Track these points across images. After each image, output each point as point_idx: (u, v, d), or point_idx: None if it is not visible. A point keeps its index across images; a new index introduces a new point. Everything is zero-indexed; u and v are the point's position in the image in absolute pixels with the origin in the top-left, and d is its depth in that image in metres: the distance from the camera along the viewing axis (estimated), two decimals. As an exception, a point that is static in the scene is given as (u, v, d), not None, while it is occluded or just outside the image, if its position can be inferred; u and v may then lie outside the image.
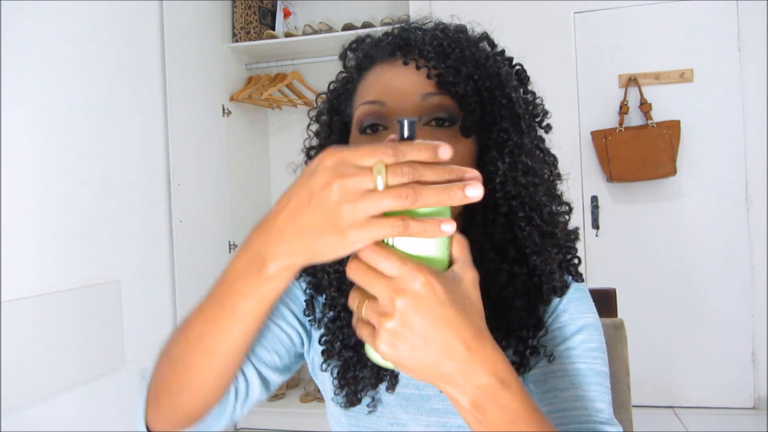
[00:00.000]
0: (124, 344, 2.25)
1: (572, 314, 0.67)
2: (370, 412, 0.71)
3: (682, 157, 2.93)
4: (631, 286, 2.97)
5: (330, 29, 3.07)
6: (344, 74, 0.73)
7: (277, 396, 2.96)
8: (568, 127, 3.03)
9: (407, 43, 0.66)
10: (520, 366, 0.65)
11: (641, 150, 2.90)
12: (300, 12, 3.31)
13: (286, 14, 3.19)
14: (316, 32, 3.06)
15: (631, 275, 3.01)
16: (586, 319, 0.67)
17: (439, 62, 0.63)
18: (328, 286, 0.70)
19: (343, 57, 0.73)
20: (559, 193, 0.71)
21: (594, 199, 3.04)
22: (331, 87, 0.74)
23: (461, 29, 0.70)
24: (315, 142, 0.74)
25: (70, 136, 2.06)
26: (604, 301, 1.01)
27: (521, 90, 0.70)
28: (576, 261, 0.70)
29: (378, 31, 0.73)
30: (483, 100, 0.64)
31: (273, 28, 3.16)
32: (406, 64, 0.64)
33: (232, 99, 3.01)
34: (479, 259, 0.63)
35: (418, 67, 0.64)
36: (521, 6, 3.07)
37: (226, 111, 2.98)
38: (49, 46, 1.99)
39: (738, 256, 2.90)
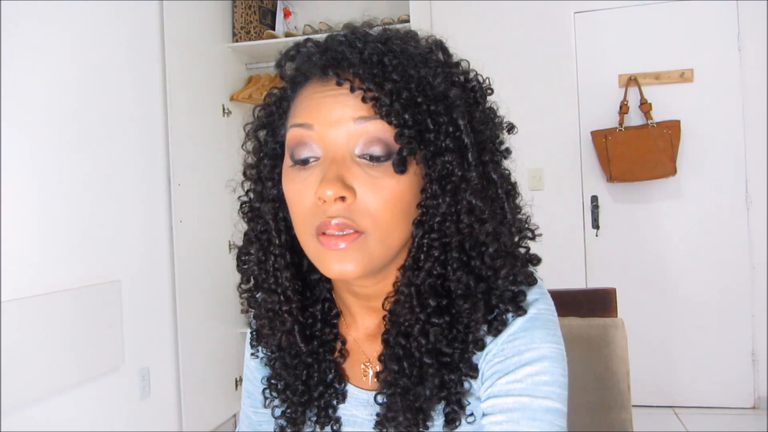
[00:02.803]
0: (124, 344, 2.25)
1: (518, 346, 0.59)
2: None
3: (682, 157, 2.93)
4: (631, 286, 2.97)
5: (330, 29, 3.03)
6: (277, 90, 0.67)
7: (277, 396, 2.96)
8: (568, 127, 3.04)
9: (343, 57, 0.58)
10: (454, 420, 0.60)
11: (641, 150, 2.90)
12: (300, 12, 3.31)
13: (286, 14, 3.19)
14: (316, 32, 3.06)
15: (631, 275, 3.01)
16: (538, 350, 0.58)
17: (377, 84, 0.56)
18: (262, 323, 0.67)
19: (279, 66, 0.64)
20: (523, 218, 0.64)
21: (594, 199, 3.04)
22: (267, 100, 0.67)
23: (410, 38, 0.62)
24: (251, 159, 0.68)
25: (70, 136, 2.06)
26: (604, 301, 1.01)
27: (479, 109, 0.62)
28: (521, 297, 0.61)
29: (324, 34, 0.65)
30: (427, 127, 0.57)
31: (273, 28, 3.16)
32: (339, 84, 0.57)
33: (232, 99, 3.01)
34: (403, 302, 0.59)
35: (352, 89, 0.56)
36: (521, 6, 3.07)
37: (226, 111, 2.98)
38: (49, 46, 1.99)
39: (738, 256, 2.90)
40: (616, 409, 0.95)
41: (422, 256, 0.58)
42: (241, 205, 0.69)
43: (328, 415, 0.67)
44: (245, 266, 0.68)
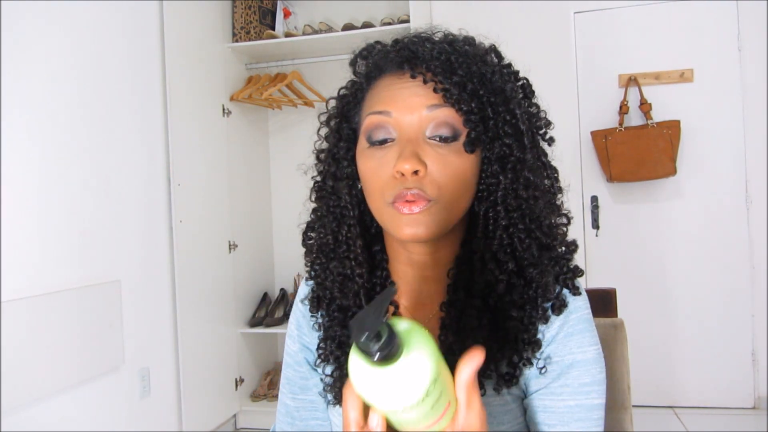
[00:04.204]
0: (124, 344, 2.25)
1: (571, 348, 0.69)
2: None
3: (682, 157, 2.93)
4: (631, 286, 2.97)
5: (330, 29, 3.07)
6: (354, 81, 0.74)
7: (276, 396, 2.95)
8: (568, 127, 3.03)
9: (415, 56, 0.67)
10: (513, 377, 0.67)
11: (641, 150, 2.90)
12: (300, 12, 3.31)
13: (286, 14, 3.19)
14: (316, 32, 3.06)
15: (631, 275, 3.01)
16: (585, 354, 0.69)
17: (446, 77, 0.65)
18: (331, 287, 0.74)
19: (353, 64, 0.74)
20: (559, 203, 0.73)
21: (594, 199, 3.04)
22: (341, 93, 0.75)
23: (469, 42, 0.71)
24: (324, 145, 0.76)
25: (70, 136, 2.06)
26: (604, 301, 1.01)
27: (526, 104, 0.71)
28: (570, 275, 0.71)
29: (389, 32, 0.74)
30: (487, 115, 0.66)
31: (273, 28, 3.16)
32: (413, 77, 0.66)
33: (232, 99, 3.01)
34: (480, 269, 0.67)
35: (425, 81, 0.65)
36: (521, 6, 3.07)
37: (226, 111, 2.98)
38: (49, 47, 1.99)
39: (738, 256, 2.90)
40: (616, 409, 0.95)
41: (491, 227, 0.67)
42: (314, 183, 0.76)
43: None
44: (311, 240, 0.76)
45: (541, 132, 0.73)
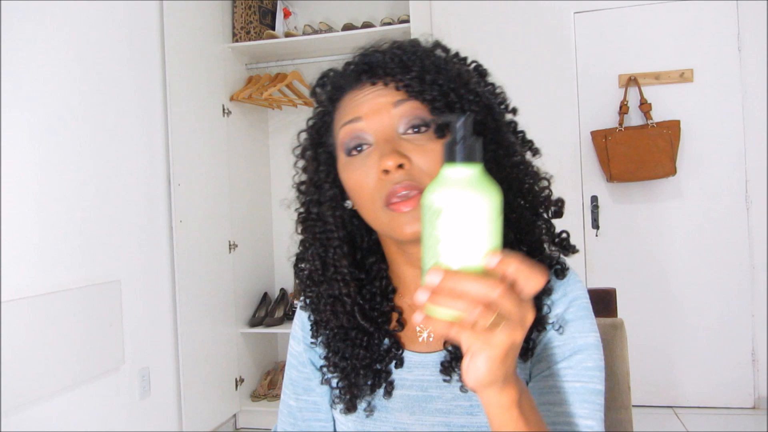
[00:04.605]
0: (124, 344, 2.25)
1: (573, 333, 0.70)
2: (367, 416, 0.75)
3: (682, 157, 2.93)
4: (631, 286, 2.97)
5: (330, 29, 3.07)
6: (319, 109, 0.76)
7: (276, 396, 2.96)
8: (568, 127, 3.03)
9: (371, 66, 0.70)
10: (527, 350, 0.69)
11: (641, 150, 2.90)
12: (300, 12, 3.31)
13: (286, 14, 3.19)
14: (316, 32, 3.06)
15: (631, 275, 3.01)
16: (587, 339, 0.70)
17: (404, 75, 0.68)
18: (323, 311, 0.75)
19: (313, 94, 0.77)
20: (535, 169, 0.74)
21: (594, 199, 3.04)
22: (310, 123, 0.77)
23: (415, 43, 0.74)
24: (304, 177, 0.77)
25: (70, 136, 2.06)
26: (604, 301, 1.01)
27: (483, 83, 0.74)
28: (564, 234, 0.73)
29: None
30: (451, 100, 0.68)
31: (273, 28, 3.16)
32: (374, 83, 0.69)
33: (232, 99, 3.01)
34: None
35: (385, 84, 0.68)
36: (521, 6, 3.07)
37: (226, 111, 2.98)
38: (49, 46, 1.99)
39: (738, 256, 2.90)
40: (616, 409, 0.95)
41: None
42: (299, 215, 0.77)
43: (382, 380, 0.75)
44: (303, 271, 0.77)
45: (503, 106, 0.75)
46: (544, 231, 0.71)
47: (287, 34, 3.08)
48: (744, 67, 2.88)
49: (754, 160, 2.88)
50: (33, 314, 1.86)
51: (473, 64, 0.76)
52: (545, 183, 0.74)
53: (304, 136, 0.78)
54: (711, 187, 2.93)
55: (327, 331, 0.77)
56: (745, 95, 2.88)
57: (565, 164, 3.05)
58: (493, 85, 0.75)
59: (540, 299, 0.70)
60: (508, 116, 0.75)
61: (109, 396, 2.19)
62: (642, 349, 2.83)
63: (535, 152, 0.75)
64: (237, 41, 3.04)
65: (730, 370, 2.91)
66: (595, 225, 3.03)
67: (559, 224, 0.74)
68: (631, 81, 2.98)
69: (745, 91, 2.88)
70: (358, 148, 0.68)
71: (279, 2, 3.18)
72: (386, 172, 0.64)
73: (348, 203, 0.73)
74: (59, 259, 1.99)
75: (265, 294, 3.21)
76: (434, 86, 0.67)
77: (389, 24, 2.97)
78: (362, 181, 0.67)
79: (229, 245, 2.96)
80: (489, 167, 0.64)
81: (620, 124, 2.96)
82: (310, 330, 0.79)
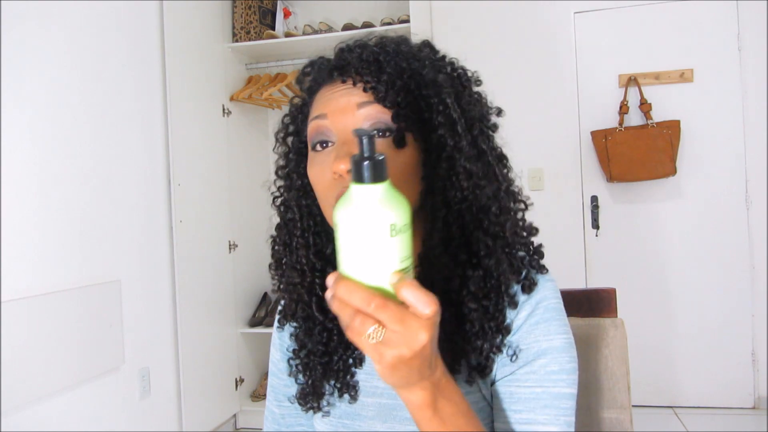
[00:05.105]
0: (124, 344, 2.25)
1: (537, 336, 0.68)
2: (323, 416, 0.77)
3: (682, 157, 2.93)
4: (631, 286, 2.97)
5: (330, 29, 3.07)
6: (299, 98, 0.78)
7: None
8: (568, 127, 3.03)
9: (346, 62, 0.69)
10: (485, 368, 0.68)
11: (641, 150, 2.90)
12: (300, 12, 3.31)
13: (286, 14, 3.19)
14: (316, 32, 3.06)
15: (631, 275, 3.01)
16: (552, 342, 0.68)
17: (374, 77, 0.67)
18: (297, 304, 0.75)
19: (299, 81, 0.77)
20: (516, 190, 0.72)
21: (594, 199, 3.04)
22: (291, 110, 0.78)
23: (402, 41, 0.73)
24: (281, 162, 0.78)
25: (70, 136, 2.06)
26: (604, 301, 1.01)
27: (466, 92, 0.71)
28: (537, 256, 0.72)
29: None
30: (420, 108, 0.67)
31: (273, 28, 3.16)
32: (344, 81, 0.69)
33: (232, 99, 3.01)
34: (436, 264, 0.67)
35: (354, 83, 0.68)
36: (521, 6, 3.07)
37: (226, 111, 2.98)
38: (49, 47, 1.99)
39: (738, 256, 2.90)
40: (616, 409, 0.95)
41: (440, 222, 0.67)
42: (274, 199, 0.79)
43: (346, 382, 0.74)
44: (275, 252, 0.78)
45: (484, 120, 0.72)
46: (505, 255, 0.68)
47: (287, 34, 3.08)
48: (744, 67, 2.88)
49: (754, 160, 2.88)
50: (33, 314, 1.86)
51: (457, 72, 0.73)
52: (521, 206, 0.72)
53: (286, 120, 0.78)
54: (711, 187, 2.93)
55: (294, 322, 0.78)
56: (745, 95, 2.88)
57: (565, 164, 3.05)
58: (478, 94, 0.73)
59: (502, 312, 0.68)
60: (490, 128, 0.72)
61: (109, 396, 2.19)
62: (642, 349, 2.83)
63: (505, 177, 0.71)
64: (237, 41, 3.04)
65: (730, 370, 2.90)
66: (595, 225, 3.03)
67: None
68: (631, 81, 2.98)
69: (745, 91, 2.88)
70: (323, 144, 0.68)
71: (279, 2, 3.18)
72: (340, 175, 0.64)
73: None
74: (59, 259, 1.99)
75: (265, 294, 3.21)
76: (403, 92, 0.66)
77: (389, 24, 2.97)
78: (319, 177, 0.68)
79: (229, 245, 2.96)
80: (444, 187, 0.66)
81: (620, 124, 2.96)
82: (279, 315, 0.80)
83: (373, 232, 0.47)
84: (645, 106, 2.94)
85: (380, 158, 0.48)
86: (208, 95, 2.84)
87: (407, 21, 2.87)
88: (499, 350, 0.68)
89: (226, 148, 2.95)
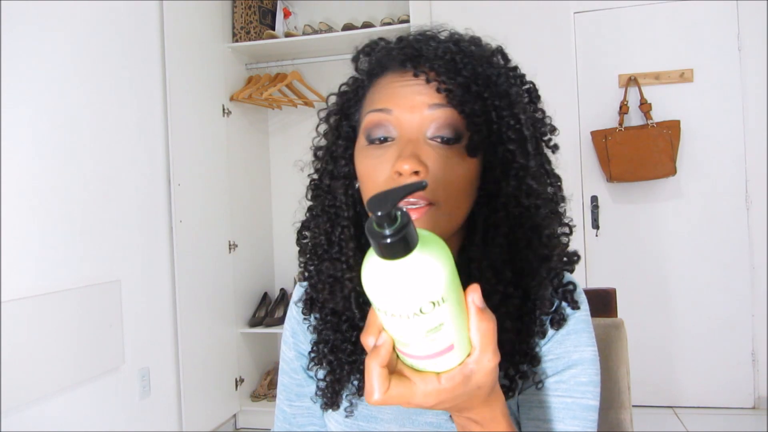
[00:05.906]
0: (124, 344, 2.25)
1: (568, 347, 0.67)
2: (347, 416, 0.73)
3: (682, 157, 2.93)
4: (631, 286, 2.97)
5: (330, 29, 3.07)
6: (356, 78, 0.72)
7: (276, 396, 2.95)
8: (568, 127, 3.03)
9: (419, 54, 0.65)
10: (509, 390, 0.65)
11: (641, 150, 2.90)
12: (300, 12, 3.31)
13: (286, 14, 3.19)
14: (316, 32, 3.06)
15: (631, 275, 3.01)
16: (583, 354, 0.67)
17: (449, 77, 0.63)
18: (322, 289, 0.71)
19: (355, 60, 0.72)
20: (562, 212, 0.70)
21: (594, 199, 3.04)
22: (342, 89, 0.73)
23: (475, 42, 0.69)
24: (323, 142, 0.73)
25: (70, 136, 2.06)
26: (604, 301, 1.01)
27: (531, 109, 0.69)
28: (571, 287, 0.69)
29: (389, 32, 0.75)
30: (491, 119, 0.64)
31: (273, 28, 3.16)
32: (416, 75, 0.64)
33: (232, 99, 3.01)
34: (477, 277, 0.64)
35: (428, 80, 0.63)
36: (521, 6, 3.07)
37: (226, 111, 2.98)
38: (49, 46, 1.99)
39: (738, 256, 2.90)
40: (616, 409, 0.95)
41: (490, 234, 0.64)
42: (311, 182, 0.74)
43: None
44: (305, 240, 0.73)
45: (545, 138, 0.71)
46: (548, 279, 0.66)
47: (287, 34, 3.08)
48: (744, 67, 2.88)
49: (754, 160, 2.88)
50: (33, 314, 1.86)
51: (527, 86, 0.70)
52: (566, 230, 0.70)
53: (333, 99, 0.73)
54: (711, 187, 2.93)
55: (319, 315, 0.74)
56: (745, 95, 2.88)
57: (565, 164, 3.04)
58: (543, 112, 0.71)
59: (532, 337, 0.66)
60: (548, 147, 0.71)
61: (109, 396, 2.19)
62: (642, 349, 2.83)
63: (561, 199, 0.70)
64: (237, 41, 3.04)
65: (730, 370, 2.90)
66: (595, 225, 3.03)
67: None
68: (631, 81, 2.98)
69: (745, 91, 2.88)
70: (381, 139, 0.64)
71: (279, 2, 3.18)
72: (400, 174, 0.60)
73: (357, 184, 0.69)
74: (59, 259, 1.99)
75: (265, 294, 3.21)
76: (478, 99, 0.63)
77: (389, 24, 2.97)
78: (374, 173, 0.64)
79: (229, 245, 2.96)
80: (506, 202, 0.64)
81: (620, 124, 2.96)
82: (303, 304, 0.76)
83: (408, 314, 0.42)
84: (645, 106, 2.94)
85: (407, 225, 0.40)
86: (208, 95, 2.84)
87: (407, 21, 2.87)
88: (526, 376, 0.66)
89: (226, 148, 2.95)
